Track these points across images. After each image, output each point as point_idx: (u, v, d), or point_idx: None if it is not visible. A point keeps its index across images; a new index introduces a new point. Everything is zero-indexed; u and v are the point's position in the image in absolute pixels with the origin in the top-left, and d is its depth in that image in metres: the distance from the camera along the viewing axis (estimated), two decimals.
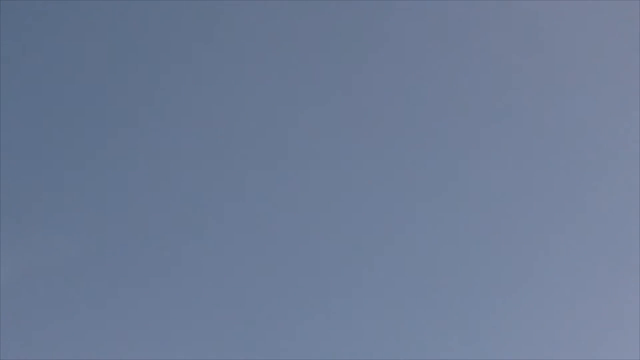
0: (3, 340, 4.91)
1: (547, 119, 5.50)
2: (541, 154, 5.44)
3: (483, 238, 5.33)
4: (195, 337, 5.08)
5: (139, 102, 5.41)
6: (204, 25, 5.53)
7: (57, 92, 5.32)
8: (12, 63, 5.23)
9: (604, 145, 5.45)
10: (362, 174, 5.40)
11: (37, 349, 4.95)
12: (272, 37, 5.55)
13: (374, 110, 5.50)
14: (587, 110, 5.50)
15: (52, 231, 5.10)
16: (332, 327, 5.18)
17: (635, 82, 5.50)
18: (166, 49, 5.50)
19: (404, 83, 5.53)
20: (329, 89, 5.51)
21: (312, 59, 5.54)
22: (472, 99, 5.51)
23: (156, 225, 5.19)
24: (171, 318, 5.07)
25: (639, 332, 5.18)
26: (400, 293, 5.23)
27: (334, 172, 5.41)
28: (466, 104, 5.51)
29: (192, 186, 5.32)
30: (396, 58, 5.55)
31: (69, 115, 5.29)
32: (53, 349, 4.95)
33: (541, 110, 5.50)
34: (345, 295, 5.23)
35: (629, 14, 5.56)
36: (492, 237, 5.34)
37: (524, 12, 5.60)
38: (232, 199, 5.32)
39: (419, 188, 5.38)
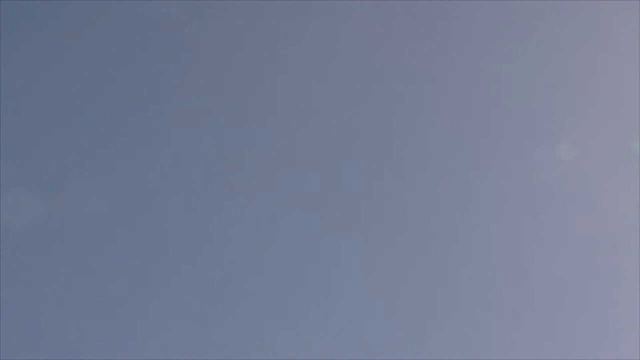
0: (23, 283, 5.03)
1: (546, 119, 5.51)
2: (541, 154, 5.45)
3: (482, 236, 5.34)
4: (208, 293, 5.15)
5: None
6: (203, 24, 5.54)
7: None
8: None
9: (604, 145, 5.46)
10: (359, 174, 5.42)
11: (55, 299, 5.05)
12: (272, 37, 5.56)
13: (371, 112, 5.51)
14: (587, 110, 5.51)
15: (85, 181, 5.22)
16: (329, 326, 5.20)
17: (635, 82, 5.51)
18: (166, 47, 5.52)
19: (405, 83, 5.54)
20: (329, 89, 5.52)
21: (312, 60, 5.55)
22: (470, 98, 5.53)
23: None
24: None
25: (639, 332, 5.19)
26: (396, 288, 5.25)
27: (332, 171, 5.42)
28: (465, 103, 5.52)
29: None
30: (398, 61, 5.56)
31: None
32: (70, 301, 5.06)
33: (540, 111, 5.51)
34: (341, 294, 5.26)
35: (629, 14, 5.57)
36: (492, 234, 5.35)
37: (522, 12, 5.61)
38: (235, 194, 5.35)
39: (421, 189, 5.40)
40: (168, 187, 5.27)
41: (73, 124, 5.30)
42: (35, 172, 5.18)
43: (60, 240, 5.13)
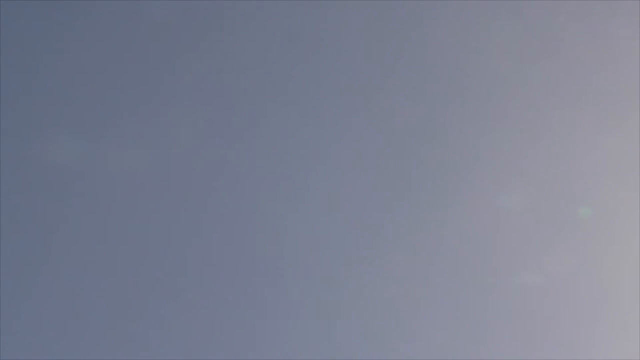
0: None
1: (546, 120, 5.52)
2: (541, 154, 5.46)
3: (485, 238, 5.35)
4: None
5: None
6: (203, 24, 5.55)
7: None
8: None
9: (604, 146, 5.47)
10: (360, 174, 5.43)
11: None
12: (271, 37, 5.57)
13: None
14: (587, 111, 5.52)
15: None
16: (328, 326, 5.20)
17: (635, 82, 5.52)
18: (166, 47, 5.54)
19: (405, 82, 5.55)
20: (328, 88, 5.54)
21: (311, 58, 5.57)
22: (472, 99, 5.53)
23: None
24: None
25: (639, 332, 5.19)
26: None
27: (332, 173, 5.43)
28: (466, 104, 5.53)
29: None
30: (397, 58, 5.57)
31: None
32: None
33: (540, 111, 5.52)
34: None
35: (629, 14, 5.57)
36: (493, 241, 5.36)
37: (522, 12, 5.61)
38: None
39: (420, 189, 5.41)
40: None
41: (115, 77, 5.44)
42: (79, 115, 5.32)
43: (100, 179, 5.30)
